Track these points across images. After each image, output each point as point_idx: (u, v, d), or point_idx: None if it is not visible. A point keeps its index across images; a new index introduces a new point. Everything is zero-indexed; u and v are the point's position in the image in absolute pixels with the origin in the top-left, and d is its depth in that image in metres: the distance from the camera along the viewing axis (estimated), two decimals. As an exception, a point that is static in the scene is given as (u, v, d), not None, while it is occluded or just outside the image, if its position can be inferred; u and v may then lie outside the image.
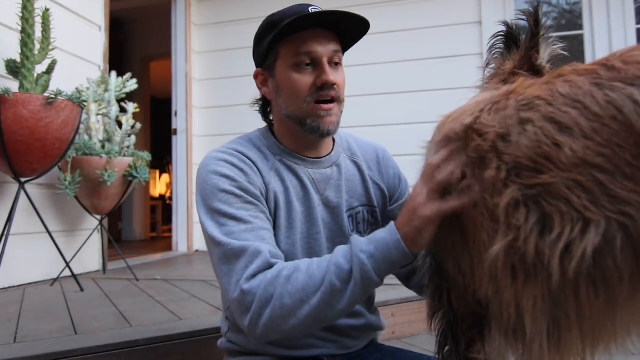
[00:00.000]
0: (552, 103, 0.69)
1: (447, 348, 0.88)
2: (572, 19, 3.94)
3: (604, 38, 3.70)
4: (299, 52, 1.03)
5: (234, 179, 1.00)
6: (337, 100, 1.05)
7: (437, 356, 0.91)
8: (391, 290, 2.15)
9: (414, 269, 1.24)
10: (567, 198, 0.65)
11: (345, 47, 1.11)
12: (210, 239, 0.98)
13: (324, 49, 1.03)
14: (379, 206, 1.18)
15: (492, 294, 0.75)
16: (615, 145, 0.63)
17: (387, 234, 0.88)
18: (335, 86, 1.04)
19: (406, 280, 1.23)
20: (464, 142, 0.77)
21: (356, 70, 3.38)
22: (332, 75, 1.03)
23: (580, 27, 3.80)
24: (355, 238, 0.91)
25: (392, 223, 0.89)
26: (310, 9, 1.03)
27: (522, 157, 0.69)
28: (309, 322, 0.89)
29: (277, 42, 1.06)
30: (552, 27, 1.01)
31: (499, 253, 0.70)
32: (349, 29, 1.07)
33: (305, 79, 1.03)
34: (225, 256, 0.95)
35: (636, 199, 0.61)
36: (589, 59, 3.74)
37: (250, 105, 1.20)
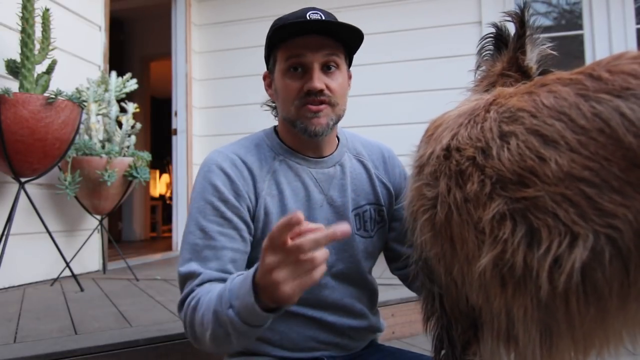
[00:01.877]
0: (536, 115, 0.68)
1: (443, 352, 0.88)
2: (572, 19, 3.94)
3: (604, 38, 3.70)
4: (290, 57, 1.04)
5: (219, 189, 1.03)
6: (327, 103, 1.05)
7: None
8: (391, 290, 2.15)
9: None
10: (554, 212, 0.64)
11: (351, 51, 1.12)
12: (184, 232, 1.05)
13: (314, 55, 1.03)
14: (386, 205, 1.19)
15: (482, 302, 0.75)
16: (602, 158, 0.62)
17: (245, 291, 0.80)
18: (324, 91, 1.04)
19: (406, 280, 1.24)
20: (444, 162, 0.77)
21: (356, 70, 3.38)
22: (318, 81, 1.03)
23: (580, 27, 3.79)
24: (232, 285, 0.86)
25: (251, 276, 0.80)
26: (308, 13, 1.03)
27: (505, 171, 0.68)
28: (221, 349, 0.94)
29: (275, 47, 1.08)
30: (540, 27, 0.99)
31: (487, 265, 0.69)
32: (343, 35, 1.07)
33: (294, 84, 1.05)
34: (181, 260, 1.04)
35: (624, 212, 0.61)
36: (589, 59, 3.74)
37: (260, 105, 1.21)
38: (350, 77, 1.16)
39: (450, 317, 0.85)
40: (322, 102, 1.04)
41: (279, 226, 0.72)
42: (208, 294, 0.92)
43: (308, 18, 1.02)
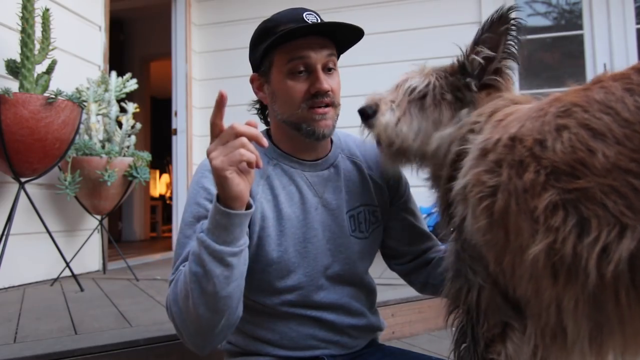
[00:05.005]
0: (587, 109, 0.71)
1: (464, 345, 0.88)
2: (572, 19, 3.94)
3: (604, 38, 3.70)
4: (293, 59, 1.04)
5: (211, 192, 1.03)
6: (331, 105, 1.07)
7: (452, 353, 0.91)
8: (391, 290, 2.15)
9: (417, 265, 1.25)
10: (604, 203, 0.66)
11: (340, 51, 1.12)
12: (177, 238, 1.05)
13: (318, 56, 1.04)
14: (380, 205, 1.19)
15: (531, 294, 0.75)
16: None
17: (213, 205, 0.89)
18: (329, 92, 1.05)
19: (407, 275, 1.25)
20: (508, 152, 0.78)
21: (356, 70, 3.38)
22: (325, 82, 1.04)
23: (580, 27, 3.79)
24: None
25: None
26: (304, 14, 1.03)
27: (559, 162, 0.70)
28: (201, 315, 0.90)
29: (271, 49, 1.07)
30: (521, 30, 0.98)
31: (539, 254, 0.70)
32: (343, 36, 1.08)
33: (299, 86, 1.04)
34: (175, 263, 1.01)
35: None
36: (589, 59, 3.74)
37: (247, 109, 1.21)
38: None
39: (483, 310, 0.85)
40: (327, 104, 1.05)
41: (213, 112, 0.86)
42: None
43: (306, 20, 1.03)
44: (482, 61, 0.98)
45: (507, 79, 1.00)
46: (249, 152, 0.84)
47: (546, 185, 0.71)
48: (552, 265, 0.70)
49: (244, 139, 0.84)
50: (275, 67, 1.07)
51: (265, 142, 0.87)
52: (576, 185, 0.68)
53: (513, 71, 1.01)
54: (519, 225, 0.74)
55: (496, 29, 0.96)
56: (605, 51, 3.68)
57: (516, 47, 0.98)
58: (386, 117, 1.02)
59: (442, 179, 0.96)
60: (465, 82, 1.00)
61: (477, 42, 0.99)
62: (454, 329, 0.91)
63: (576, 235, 0.68)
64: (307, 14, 1.04)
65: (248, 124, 0.86)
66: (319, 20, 1.05)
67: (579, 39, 3.79)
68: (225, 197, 0.86)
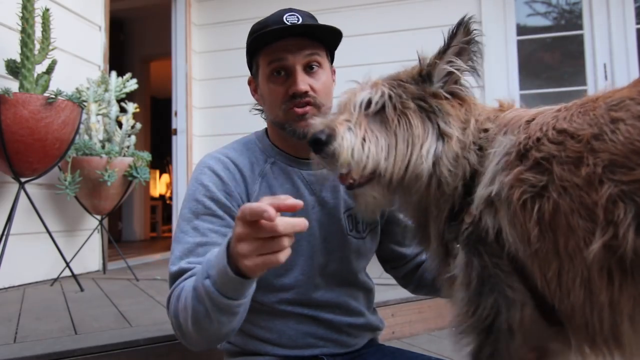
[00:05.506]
0: None
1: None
2: (572, 19, 3.94)
3: (604, 38, 3.70)
4: (272, 62, 1.05)
5: (209, 189, 1.03)
6: (313, 105, 1.06)
7: None
8: (391, 290, 2.15)
9: (412, 267, 1.25)
10: None
11: (332, 47, 1.12)
12: (174, 234, 1.04)
13: (296, 57, 1.04)
14: None
15: (581, 301, 0.73)
16: None
17: (220, 256, 0.82)
18: (309, 92, 1.04)
19: (402, 278, 1.26)
20: (558, 147, 0.76)
21: (356, 70, 3.37)
22: (302, 83, 1.03)
23: (580, 27, 3.79)
24: (210, 255, 0.87)
25: (227, 242, 0.81)
26: (285, 16, 1.04)
27: (617, 155, 0.70)
28: (205, 338, 0.91)
29: (255, 52, 1.08)
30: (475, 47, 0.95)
31: (596, 253, 0.68)
32: (320, 36, 1.08)
33: (279, 88, 1.05)
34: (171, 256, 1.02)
35: None
36: (589, 59, 3.74)
37: (249, 109, 1.22)
38: (334, 72, 1.17)
39: (524, 329, 0.80)
40: (307, 104, 1.05)
41: (257, 206, 0.70)
42: (191, 279, 0.93)
43: (285, 22, 1.03)
44: (454, 70, 0.93)
45: (467, 91, 0.95)
46: (286, 254, 0.76)
47: (602, 178, 0.70)
48: (608, 265, 0.68)
49: (285, 241, 0.75)
50: (260, 70, 1.09)
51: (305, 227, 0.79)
52: (632, 177, 0.68)
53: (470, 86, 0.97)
54: (572, 225, 0.71)
55: (459, 40, 0.93)
56: (605, 51, 3.68)
57: (477, 60, 0.94)
58: (347, 138, 0.87)
59: (444, 195, 0.88)
60: (433, 91, 0.93)
61: (444, 51, 0.95)
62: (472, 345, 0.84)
63: (635, 228, 0.66)
64: (289, 15, 1.04)
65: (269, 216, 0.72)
66: (299, 21, 1.05)
67: (579, 39, 3.79)
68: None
